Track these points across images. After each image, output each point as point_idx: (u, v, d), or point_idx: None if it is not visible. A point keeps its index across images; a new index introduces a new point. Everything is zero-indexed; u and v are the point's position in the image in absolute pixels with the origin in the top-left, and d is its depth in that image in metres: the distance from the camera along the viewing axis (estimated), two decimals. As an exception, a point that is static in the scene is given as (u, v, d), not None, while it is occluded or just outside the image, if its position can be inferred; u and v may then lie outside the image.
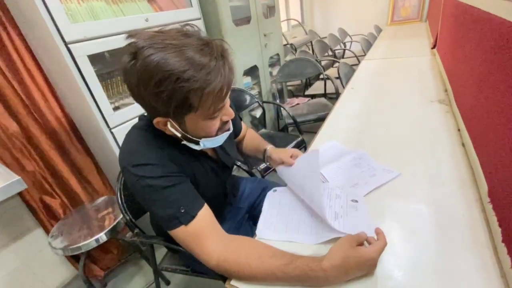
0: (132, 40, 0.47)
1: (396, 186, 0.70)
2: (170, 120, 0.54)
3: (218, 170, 0.73)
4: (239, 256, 0.52)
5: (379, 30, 3.47)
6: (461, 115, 0.89)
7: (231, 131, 0.64)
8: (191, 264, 0.87)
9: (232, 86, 0.54)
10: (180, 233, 0.54)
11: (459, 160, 0.75)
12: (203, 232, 0.55)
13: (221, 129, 0.60)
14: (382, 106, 1.18)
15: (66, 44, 0.98)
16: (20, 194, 1.17)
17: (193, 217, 0.54)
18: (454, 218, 0.57)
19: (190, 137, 0.58)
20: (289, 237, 0.60)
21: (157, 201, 0.55)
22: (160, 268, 0.93)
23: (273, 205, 0.71)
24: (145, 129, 0.60)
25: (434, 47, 1.82)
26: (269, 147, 0.85)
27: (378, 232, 0.51)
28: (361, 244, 0.49)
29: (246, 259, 0.51)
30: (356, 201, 0.65)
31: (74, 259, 1.39)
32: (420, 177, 0.71)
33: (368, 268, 0.47)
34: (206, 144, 0.60)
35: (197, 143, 0.59)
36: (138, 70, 0.46)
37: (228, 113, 0.59)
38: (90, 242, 1.04)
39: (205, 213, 0.57)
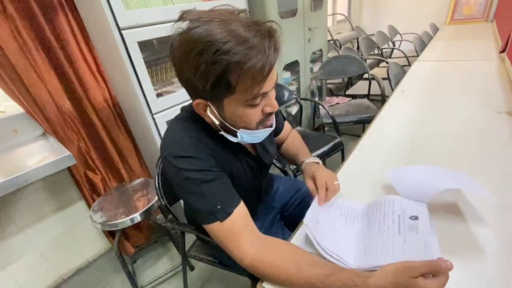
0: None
1: (458, 206, 0.61)
2: (210, 104, 0.52)
3: (256, 168, 0.71)
4: (275, 259, 0.50)
5: (435, 29, 3.17)
6: (539, 131, 0.76)
7: (273, 128, 0.61)
8: (219, 256, 0.87)
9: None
10: (215, 228, 0.53)
11: (534, 184, 0.65)
12: (238, 230, 0.53)
13: (262, 123, 0.56)
14: (438, 113, 1.06)
15: (119, 30, 1.02)
16: (68, 167, 1.27)
17: (229, 214, 0.53)
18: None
19: (228, 126, 0.55)
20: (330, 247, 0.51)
21: (194, 195, 0.54)
22: (188, 255, 0.94)
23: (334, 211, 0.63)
24: (187, 120, 0.60)
25: (503, 51, 1.61)
26: (307, 161, 0.74)
27: (440, 264, 0.39)
28: (421, 275, 0.40)
29: (283, 263, 0.48)
30: (417, 218, 0.54)
31: (109, 233, 1.48)
32: (486, 199, 0.62)
33: None
34: (244, 136, 0.57)
35: (235, 134, 0.57)
36: (182, 43, 0.46)
37: (271, 104, 0.54)
38: (125, 221, 1.09)
39: (241, 211, 0.56)
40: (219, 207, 0.53)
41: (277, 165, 1.30)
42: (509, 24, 1.60)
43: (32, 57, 1.09)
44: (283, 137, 0.89)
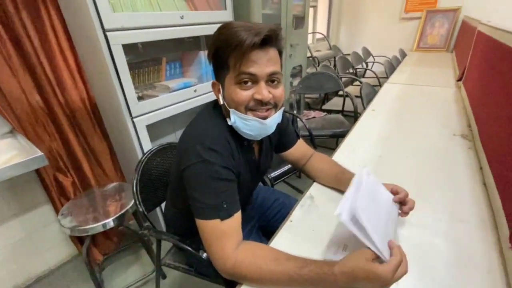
0: None
1: (414, 217, 0.69)
2: (219, 84, 0.62)
3: (254, 174, 0.75)
4: (256, 258, 0.53)
5: (403, 54, 3.46)
6: (485, 154, 0.88)
7: (268, 121, 0.61)
8: (196, 264, 0.87)
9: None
10: (211, 225, 0.55)
11: (479, 199, 0.74)
12: (231, 233, 0.56)
13: (252, 111, 0.60)
14: (403, 133, 1.17)
15: (104, 31, 1.01)
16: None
17: (230, 215, 0.56)
18: (471, 258, 0.56)
19: (227, 107, 0.61)
20: (369, 240, 0.48)
21: (206, 187, 0.56)
22: (163, 263, 0.93)
23: (366, 192, 0.55)
24: (218, 115, 0.66)
25: (460, 79, 1.81)
26: None
27: (392, 247, 0.48)
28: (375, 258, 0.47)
29: (264, 260, 0.52)
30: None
31: (77, 239, 1.41)
32: (439, 210, 0.70)
33: (380, 285, 0.45)
34: (236, 120, 0.60)
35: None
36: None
37: (260, 92, 0.57)
38: (97, 227, 1.05)
39: (238, 217, 0.58)
40: (224, 206, 0.56)
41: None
42: (466, 55, 1.81)
43: (6, 50, 1.04)
44: (298, 154, 0.87)
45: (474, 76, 1.38)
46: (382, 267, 0.45)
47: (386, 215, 0.56)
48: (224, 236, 0.55)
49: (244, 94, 0.58)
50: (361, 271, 0.45)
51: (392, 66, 2.85)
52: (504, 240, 0.58)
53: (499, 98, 0.87)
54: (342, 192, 0.78)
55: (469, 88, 1.45)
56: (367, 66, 3.56)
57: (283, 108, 0.68)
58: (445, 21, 3.27)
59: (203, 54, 1.52)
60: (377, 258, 0.47)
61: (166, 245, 0.98)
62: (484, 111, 1.04)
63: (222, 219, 0.55)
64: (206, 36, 1.57)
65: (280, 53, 0.62)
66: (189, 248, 0.74)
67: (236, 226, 0.57)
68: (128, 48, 1.14)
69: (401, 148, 1.04)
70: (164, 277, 1.34)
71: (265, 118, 0.61)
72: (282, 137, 0.85)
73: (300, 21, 2.27)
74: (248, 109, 0.60)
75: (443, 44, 3.32)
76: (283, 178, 1.45)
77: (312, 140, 1.74)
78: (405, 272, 0.47)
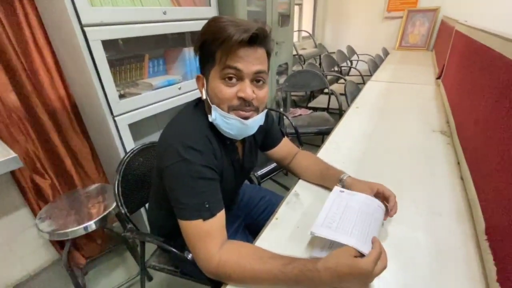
0: None
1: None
2: (203, 78, 0.61)
3: (238, 174, 0.74)
4: (241, 257, 0.52)
5: (386, 52, 3.54)
6: (462, 149, 0.91)
7: (249, 122, 0.61)
8: (182, 265, 0.85)
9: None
10: (194, 225, 0.54)
11: (457, 193, 0.77)
12: (214, 233, 0.55)
13: (234, 109, 0.59)
14: (385, 129, 1.20)
15: (82, 26, 0.97)
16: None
17: (213, 215, 0.55)
18: (450, 250, 0.58)
19: (210, 102, 0.60)
20: (345, 239, 0.52)
21: (187, 187, 0.55)
22: (147, 265, 0.91)
23: (338, 205, 0.63)
24: (198, 112, 0.64)
25: (439, 77, 1.87)
26: (347, 177, 0.73)
27: (374, 241, 0.51)
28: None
29: (248, 259, 0.51)
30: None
31: (57, 243, 1.36)
32: (418, 205, 0.72)
33: (363, 278, 0.47)
34: (217, 117, 0.59)
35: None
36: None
37: (244, 90, 0.57)
38: (78, 230, 1.01)
39: (222, 216, 0.58)
40: (207, 206, 0.55)
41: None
42: (444, 54, 1.88)
43: (-25, 46, 0.98)
44: (282, 152, 0.88)
45: (452, 74, 1.43)
46: (363, 260, 0.46)
47: (363, 217, 0.59)
48: (207, 236, 0.54)
49: (228, 91, 0.57)
50: (344, 266, 0.46)
51: (375, 64, 2.92)
52: (480, 232, 0.60)
53: (474, 94, 0.91)
54: (326, 188, 0.79)
55: (448, 85, 1.50)
56: (351, 64, 3.62)
57: (266, 110, 0.68)
58: (425, 21, 3.37)
59: (188, 51, 1.49)
60: (360, 255, 0.48)
61: (150, 247, 0.96)
62: (461, 107, 1.08)
63: (205, 219, 0.54)
64: (192, 33, 1.54)
65: (269, 54, 0.62)
66: (174, 250, 0.73)
67: (220, 226, 0.57)
68: (109, 44, 1.10)
69: (383, 144, 1.06)
70: (150, 279, 1.32)
71: (246, 118, 0.60)
72: (267, 136, 0.84)
73: (285, 18, 2.27)
74: (231, 108, 0.59)
75: (424, 43, 3.42)
76: (270, 176, 1.45)
77: (298, 138, 1.75)
78: (384, 266, 0.48)
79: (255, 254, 0.53)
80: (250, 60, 0.56)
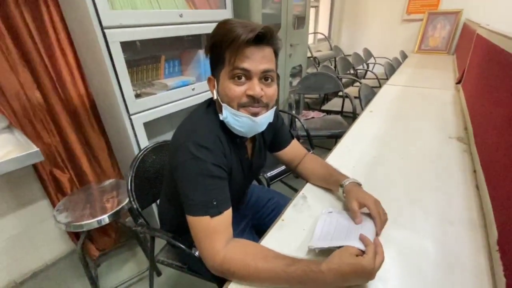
0: None
1: (404, 218, 0.69)
2: (214, 79, 0.64)
3: (247, 173, 0.75)
4: (245, 255, 0.53)
5: (404, 56, 3.45)
6: (479, 157, 0.88)
7: (258, 119, 0.62)
8: (189, 262, 0.87)
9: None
10: (201, 222, 0.56)
11: (471, 201, 0.74)
12: (220, 230, 0.56)
13: (245, 107, 0.61)
14: (398, 133, 1.17)
15: (102, 28, 1.01)
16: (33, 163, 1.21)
17: (220, 213, 0.57)
18: (460, 260, 0.57)
19: (220, 102, 0.62)
20: (344, 242, 0.54)
21: (196, 184, 0.57)
22: (157, 260, 0.94)
23: (330, 222, 0.66)
24: (210, 112, 0.67)
25: (459, 82, 1.80)
26: (348, 183, 0.71)
27: (362, 238, 0.53)
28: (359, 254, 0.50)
29: (253, 257, 0.52)
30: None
31: (73, 235, 1.42)
32: (430, 212, 0.70)
33: (366, 276, 0.48)
34: (227, 115, 0.61)
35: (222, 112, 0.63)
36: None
37: (253, 88, 0.58)
38: (92, 223, 1.06)
39: (229, 214, 0.59)
40: (214, 203, 0.56)
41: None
42: (465, 58, 1.81)
43: (6, 46, 1.05)
44: (291, 155, 0.88)
45: (472, 79, 1.38)
46: (365, 258, 0.47)
47: (356, 226, 0.62)
48: (214, 233, 0.55)
49: (237, 90, 0.59)
50: (347, 266, 0.47)
51: (392, 68, 2.85)
52: (493, 243, 0.58)
53: (494, 102, 0.88)
54: (333, 192, 0.79)
55: (467, 91, 1.45)
56: (367, 67, 3.55)
57: (275, 108, 0.69)
58: (447, 24, 3.26)
59: (202, 53, 1.52)
60: (362, 254, 0.50)
61: (160, 242, 0.99)
62: (480, 114, 1.04)
63: (212, 216, 0.56)
64: (206, 35, 1.57)
65: (276, 53, 0.63)
66: (182, 246, 0.75)
67: (226, 223, 0.58)
68: (127, 46, 1.14)
69: (396, 149, 1.04)
70: (159, 274, 1.35)
71: (256, 115, 0.62)
72: (276, 137, 0.85)
73: (300, 21, 2.27)
74: (240, 106, 0.60)
75: (445, 47, 3.31)
76: (279, 178, 1.45)
77: (309, 141, 1.74)
78: (382, 259, 0.49)
79: (259, 253, 0.54)
80: (258, 59, 0.58)
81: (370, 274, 0.47)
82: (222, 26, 0.58)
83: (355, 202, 0.65)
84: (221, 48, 0.58)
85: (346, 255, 0.48)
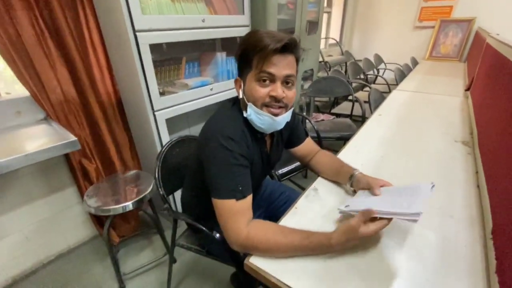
0: None
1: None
2: (241, 81, 0.72)
3: (265, 165, 0.84)
4: (266, 231, 0.61)
5: (415, 62, 3.48)
6: (481, 159, 0.94)
7: (278, 119, 0.71)
8: (208, 245, 0.96)
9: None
10: (227, 204, 0.64)
11: (471, 200, 0.80)
12: (244, 211, 0.65)
13: (267, 106, 0.69)
14: (405, 136, 1.23)
15: (135, 31, 1.12)
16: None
17: (244, 197, 0.65)
18: (457, 249, 0.63)
19: (246, 101, 0.70)
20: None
21: (225, 172, 0.65)
22: (177, 244, 1.03)
23: (362, 195, 0.76)
24: (235, 109, 0.75)
25: (468, 89, 1.85)
26: (358, 173, 0.81)
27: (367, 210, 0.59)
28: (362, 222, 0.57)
29: (273, 233, 0.61)
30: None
31: (96, 221, 1.52)
32: (432, 207, 0.77)
33: (352, 233, 0.56)
34: (251, 113, 0.70)
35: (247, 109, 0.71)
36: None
37: (276, 89, 0.67)
38: (117, 208, 1.15)
39: (250, 198, 0.68)
40: (240, 188, 0.65)
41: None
42: (475, 66, 1.85)
43: (46, 45, 1.16)
44: (304, 151, 0.96)
45: (480, 86, 1.43)
46: (354, 218, 0.56)
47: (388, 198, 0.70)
48: (238, 213, 0.64)
49: (262, 91, 0.68)
50: (343, 227, 0.58)
51: (402, 74, 2.89)
52: (488, 232, 0.64)
53: (498, 108, 0.93)
54: (341, 185, 0.87)
55: (475, 98, 1.49)
56: (378, 72, 3.60)
57: (292, 108, 0.77)
58: (459, 31, 3.28)
59: (220, 55, 1.62)
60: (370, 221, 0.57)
61: (179, 230, 1.07)
62: (484, 119, 1.09)
63: (238, 199, 0.64)
64: (222, 39, 1.67)
65: (297, 60, 0.72)
66: (204, 228, 0.83)
67: (249, 206, 0.66)
68: (154, 47, 1.24)
69: (402, 150, 1.10)
70: (174, 261, 1.44)
71: (276, 115, 0.70)
72: (293, 134, 0.93)
73: (313, 26, 2.35)
74: (263, 105, 0.69)
75: (456, 54, 3.33)
76: (289, 176, 1.53)
77: (320, 142, 1.81)
78: (377, 228, 0.56)
79: (278, 230, 0.62)
80: (282, 66, 0.66)
81: (353, 231, 0.55)
82: (252, 35, 0.67)
83: (367, 185, 0.75)
84: (250, 54, 0.66)
85: (347, 222, 0.57)
